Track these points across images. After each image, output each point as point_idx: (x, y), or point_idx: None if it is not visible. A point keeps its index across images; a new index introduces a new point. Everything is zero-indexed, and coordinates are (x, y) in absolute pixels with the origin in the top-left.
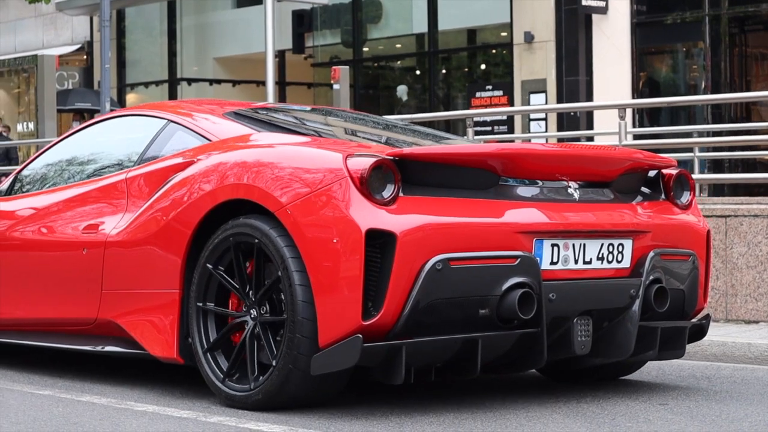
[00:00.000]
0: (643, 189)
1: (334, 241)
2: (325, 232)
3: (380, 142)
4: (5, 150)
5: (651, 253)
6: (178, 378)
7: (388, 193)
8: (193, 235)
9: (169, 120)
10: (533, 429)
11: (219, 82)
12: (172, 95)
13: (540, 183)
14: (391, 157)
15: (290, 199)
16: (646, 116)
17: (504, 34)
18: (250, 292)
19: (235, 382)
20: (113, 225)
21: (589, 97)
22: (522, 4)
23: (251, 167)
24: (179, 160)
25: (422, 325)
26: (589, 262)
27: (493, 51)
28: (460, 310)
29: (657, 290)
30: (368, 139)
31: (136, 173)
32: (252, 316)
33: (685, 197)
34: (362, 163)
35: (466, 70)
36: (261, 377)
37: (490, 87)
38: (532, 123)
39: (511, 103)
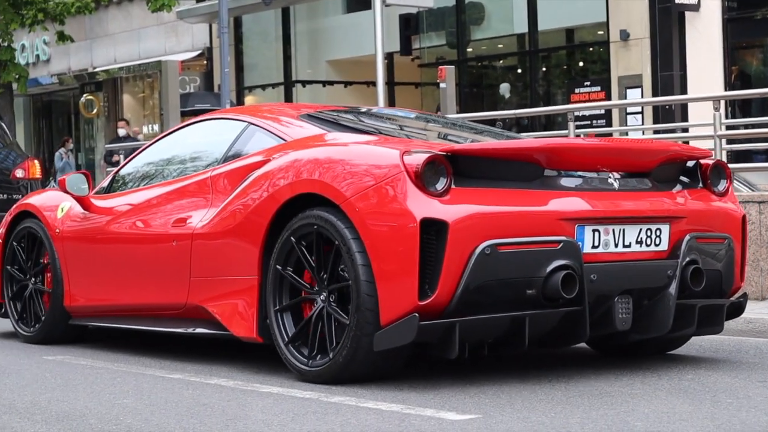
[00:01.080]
0: (682, 178)
1: (392, 228)
2: (385, 221)
3: (438, 140)
4: (133, 150)
5: (687, 237)
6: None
7: (441, 185)
8: (269, 226)
9: (249, 123)
10: (638, 406)
11: (332, 83)
12: (288, 97)
13: (582, 174)
14: (444, 153)
15: (353, 192)
16: (738, 109)
17: (600, 32)
18: (323, 275)
19: (306, 356)
20: (199, 219)
21: (684, 91)
22: (618, 4)
23: (320, 164)
24: (257, 158)
25: (474, 304)
26: (629, 246)
27: (591, 49)
28: (508, 290)
29: (693, 271)
30: (428, 137)
31: (220, 171)
32: (322, 298)
33: (722, 185)
34: (417, 159)
35: (565, 67)
36: (330, 353)
37: (588, 83)
38: (628, 117)
39: (608, 98)
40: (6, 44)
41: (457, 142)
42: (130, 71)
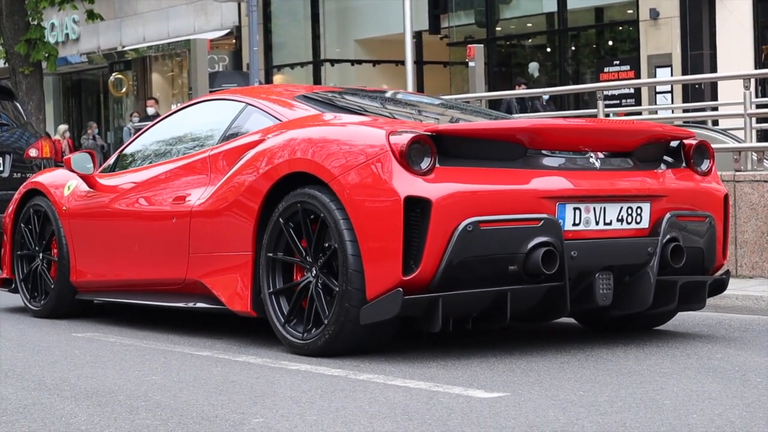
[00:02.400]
0: (666, 158)
1: (378, 206)
2: (371, 198)
3: (427, 120)
4: None
5: (668, 215)
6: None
7: (425, 164)
8: (263, 203)
9: (247, 103)
10: (667, 384)
11: (360, 62)
12: (317, 76)
13: (564, 154)
14: (429, 133)
15: (341, 170)
16: None
17: (630, 11)
18: (313, 251)
19: (299, 332)
20: (198, 196)
21: (713, 70)
22: None
23: (311, 143)
24: (253, 138)
25: (458, 279)
26: (610, 224)
27: (620, 28)
28: (490, 266)
29: (673, 248)
30: (417, 117)
31: (217, 151)
32: (313, 273)
33: (705, 165)
34: (402, 139)
35: (594, 46)
36: (320, 327)
37: (617, 62)
38: (658, 96)
39: (637, 77)
40: (36, 23)
41: (446, 123)
42: (159, 50)
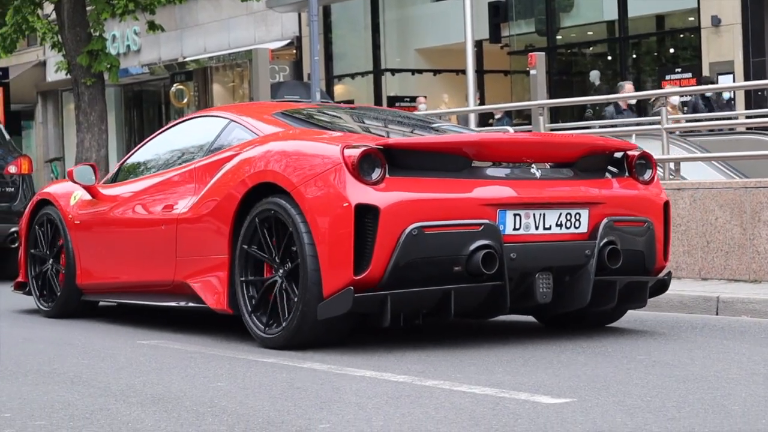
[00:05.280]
0: (611, 168)
1: (332, 212)
2: (326, 206)
3: (385, 134)
4: None
5: (605, 220)
6: (393, 344)
7: (376, 175)
8: (237, 210)
9: (230, 119)
10: (735, 390)
11: (420, 71)
12: (377, 86)
13: (506, 165)
14: (379, 147)
15: (301, 181)
16: None
17: (691, 18)
18: (280, 253)
19: (263, 324)
20: (183, 205)
21: None
22: None
23: (276, 157)
24: (232, 152)
25: (406, 279)
26: (549, 228)
27: (681, 35)
28: (436, 267)
29: (610, 250)
30: (377, 132)
31: (202, 164)
32: (280, 273)
33: (648, 174)
34: (354, 152)
35: (656, 54)
36: (283, 322)
37: (678, 70)
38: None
39: (699, 84)
40: (97, 34)
41: (399, 137)
42: (219, 61)
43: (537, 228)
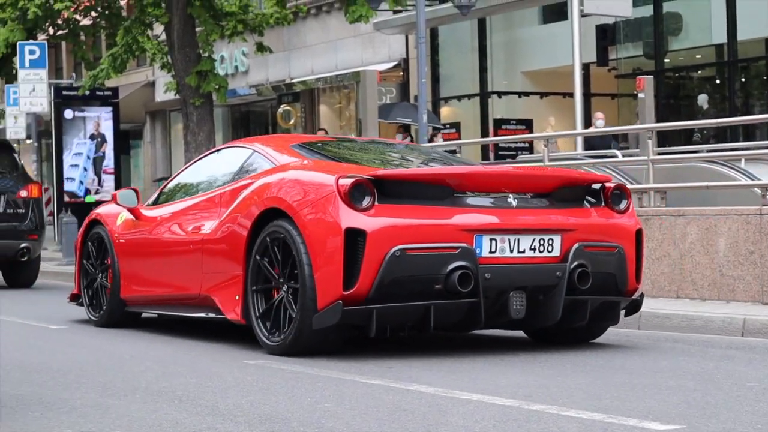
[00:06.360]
0: (589, 198)
1: (325, 235)
2: (321, 229)
3: (382, 165)
4: None
5: (576, 245)
6: (499, 369)
7: (366, 202)
8: (250, 232)
9: (254, 150)
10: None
11: (527, 94)
12: (483, 109)
13: (486, 195)
14: (370, 177)
15: (301, 207)
16: None
17: None
18: (285, 270)
19: (268, 331)
20: (209, 227)
21: None
22: None
23: (282, 185)
24: (250, 180)
25: (390, 294)
26: (523, 252)
27: None
28: (418, 284)
29: (580, 273)
30: (375, 163)
31: (226, 189)
32: (285, 288)
33: (623, 204)
34: (347, 182)
35: (765, 78)
36: (284, 331)
37: None
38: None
39: None
40: (206, 55)
41: (391, 168)
42: (327, 82)
43: (512, 251)
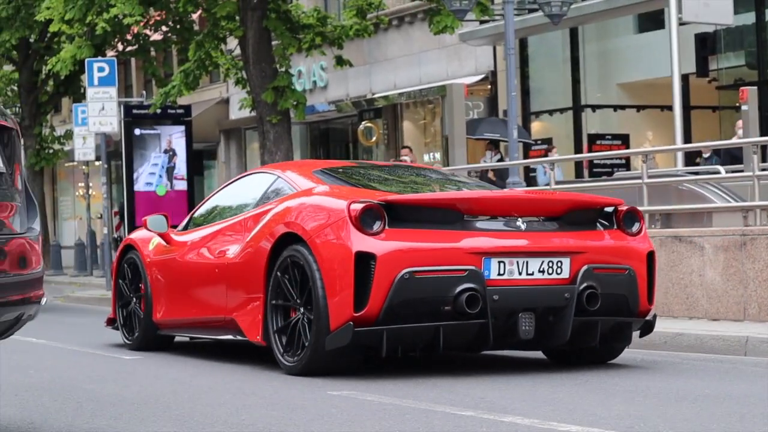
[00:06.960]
0: (602, 221)
1: (337, 258)
2: (333, 253)
3: (395, 190)
4: None
5: (584, 267)
6: (595, 398)
7: (377, 226)
8: (269, 255)
9: (278, 176)
10: None
11: (623, 107)
12: (577, 122)
13: (495, 219)
14: (380, 203)
15: (314, 232)
16: None
17: None
18: (302, 292)
19: (283, 349)
20: (233, 251)
21: None
22: None
23: (298, 210)
24: (272, 205)
25: (400, 316)
26: (532, 274)
27: None
28: (427, 306)
29: (589, 294)
30: (390, 188)
31: (250, 214)
32: (301, 310)
33: (635, 227)
34: (358, 207)
35: None
36: (299, 353)
37: None
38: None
39: None
40: (283, 70)
41: (404, 194)
42: (410, 97)
43: (520, 273)
